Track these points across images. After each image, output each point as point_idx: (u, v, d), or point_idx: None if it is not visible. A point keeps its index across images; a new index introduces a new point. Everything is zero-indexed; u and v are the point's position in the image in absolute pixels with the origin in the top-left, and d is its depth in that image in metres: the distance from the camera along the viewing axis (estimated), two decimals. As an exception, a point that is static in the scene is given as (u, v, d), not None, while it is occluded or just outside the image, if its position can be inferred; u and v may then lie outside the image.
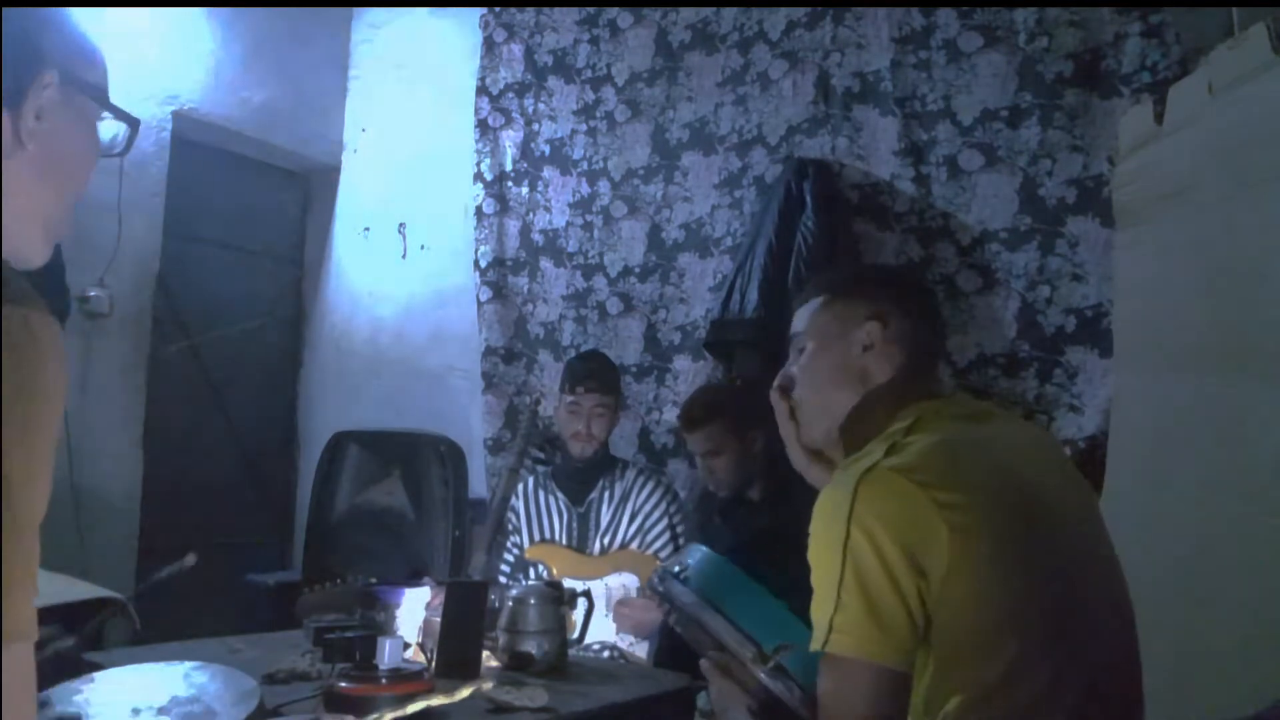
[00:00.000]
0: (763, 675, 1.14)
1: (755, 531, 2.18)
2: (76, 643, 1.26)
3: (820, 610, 1.02)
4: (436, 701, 1.30)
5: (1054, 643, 1.00)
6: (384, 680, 1.38)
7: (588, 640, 2.06)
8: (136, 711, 1.22)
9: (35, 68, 0.76)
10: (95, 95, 0.83)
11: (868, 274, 1.29)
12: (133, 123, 0.89)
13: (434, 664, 1.60)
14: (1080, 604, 1.05)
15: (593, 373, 2.54)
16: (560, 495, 2.55)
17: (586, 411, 2.49)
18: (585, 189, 3.39)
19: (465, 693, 1.36)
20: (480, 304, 3.52)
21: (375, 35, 4.08)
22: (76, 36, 0.83)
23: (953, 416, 1.15)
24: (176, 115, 3.47)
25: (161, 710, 1.23)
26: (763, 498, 2.31)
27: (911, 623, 0.98)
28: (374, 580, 1.89)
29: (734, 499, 2.35)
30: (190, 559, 1.55)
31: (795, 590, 1.11)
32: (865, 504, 1.00)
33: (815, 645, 1.01)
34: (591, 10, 3.41)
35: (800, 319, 1.29)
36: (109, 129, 0.87)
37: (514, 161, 3.55)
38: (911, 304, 1.25)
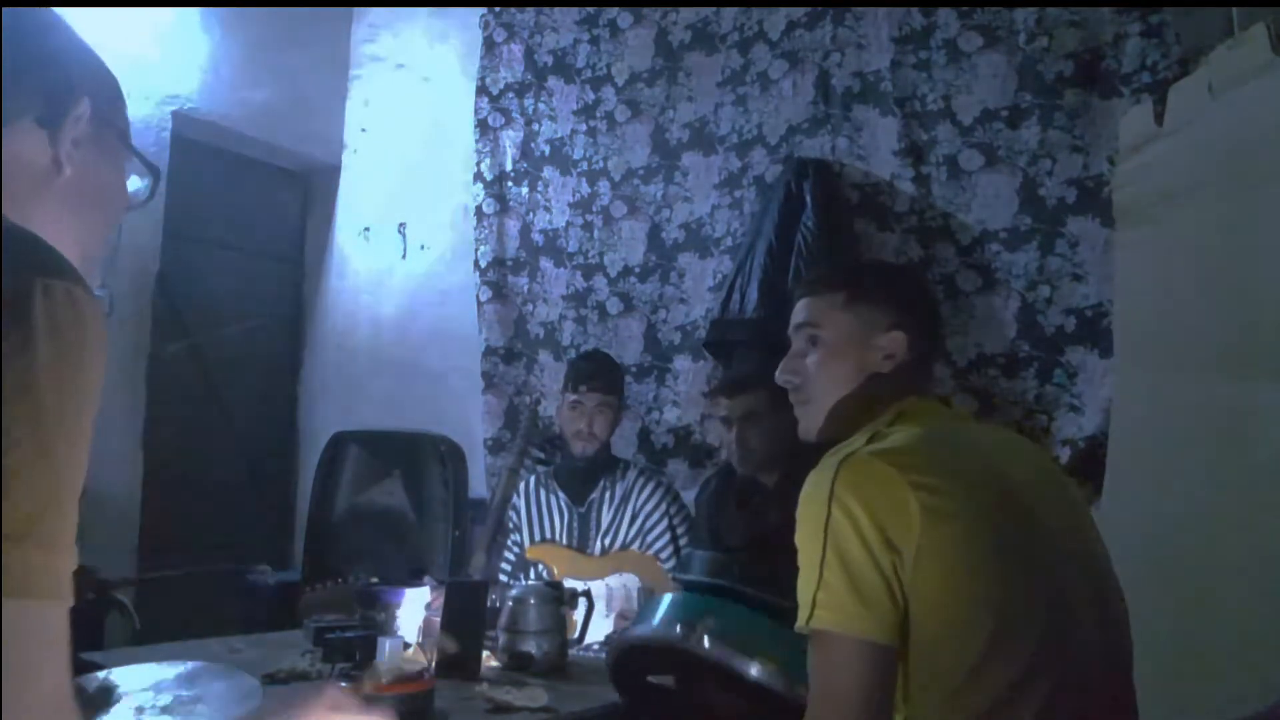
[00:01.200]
0: (697, 648, 1.21)
1: (771, 525, 2.18)
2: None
3: (804, 589, 1.04)
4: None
5: (1029, 633, 1.01)
6: (384, 680, 1.38)
7: (588, 640, 2.06)
8: (140, 710, 1.22)
9: (72, 94, 0.77)
10: (123, 139, 0.84)
11: (890, 277, 1.34)
12: (155, 172, 0.90)
13: (434, 664, 1.60)
14: (1060, 598, 1.06)
15: (596, 372, 2.54)
16: (561, 494, 2.55)
17: (589, 411, 2.49)
18: (585, 189, 3.39)
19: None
20: (480, 304, 3.52)
21: (375, 35, 4.08)
22: (108, 77, 0.83)
23: (933, 414, 1.21)
24: (176, 115, 3.47)
25: (165, 710, 1.23)
26: (776, 487, 2.29)
27: (893, 597, 1.01)
28: (374, 580, 1.89)
29: (753, 484, 2.33)
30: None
31: None
32: (844, 486, 1.04)
33: (800, 623, 1.04)
34: (591, 10, 3.40)
35: (815, 311, 1.26)
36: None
37: (514, 161, 3.55)
38: (924, 312, 1.29)
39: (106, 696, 1.17)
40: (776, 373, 1.28)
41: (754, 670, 1.24)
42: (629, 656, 1.48)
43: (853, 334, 1.23)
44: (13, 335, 0.58)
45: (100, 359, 0.64)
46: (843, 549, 1.01)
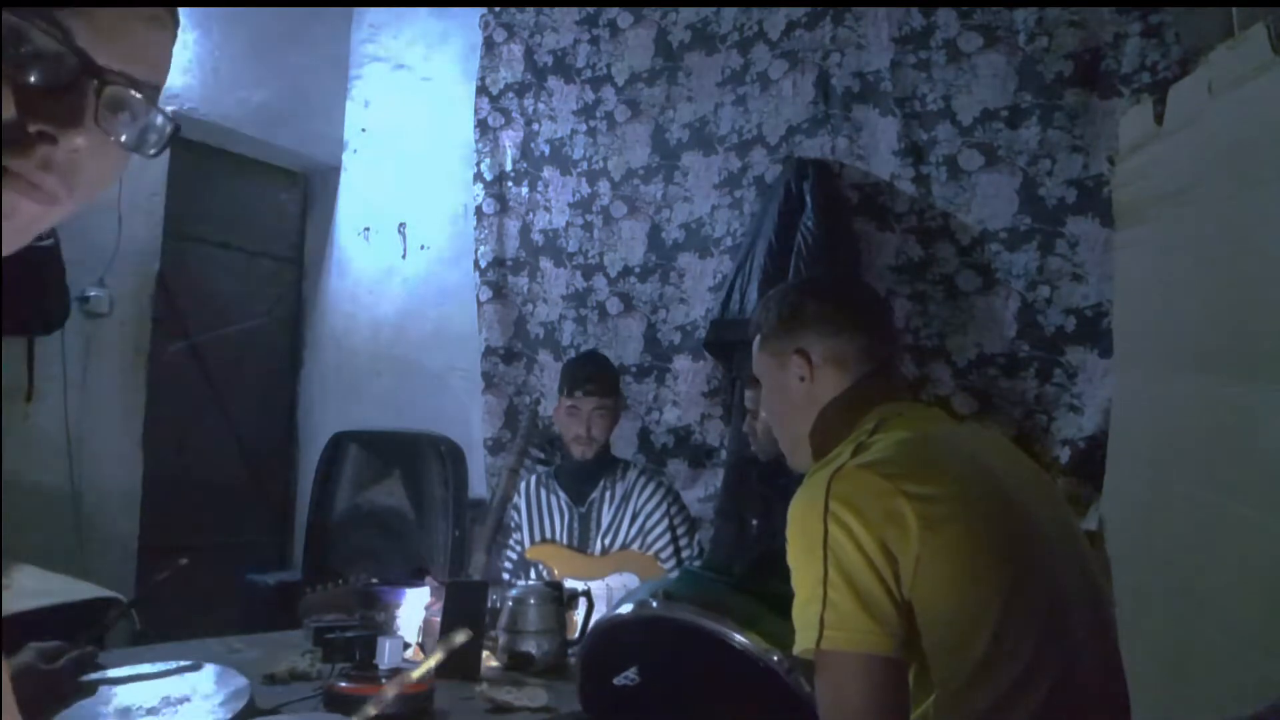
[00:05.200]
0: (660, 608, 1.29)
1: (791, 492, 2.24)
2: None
3: (806, 610, 1.02)
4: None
5: (1030, 632, 1.01)
6: (384, 680, 1.39)
7: (588, 640, 2.06)
8: (127, 711, 1.22)
9: None
10: None
11: (788, 306, 1.32)
12: None
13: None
14: (1054, 595, 1.06)
15: (591, 376, 2.53)
16: (562, 494, 2.55)
17: (585, 414, 2.48)
18: (585, 189, 3.39)
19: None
20: (480, 304, 3.53)
21: (375, 35, 4.08)
22: None
23: (914, 417, 1.19)
24: (176, 115, 3.46)
25: (150, 711, 1.23)
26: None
27: (898, 609, 1.00)
28: (374, 580, 1.90)
29: (777, 467, 2.37)
30: (182, 561, 1.56)
31: None
32: (838, 501, 1.02)
33: (806, 645, 1.02)
34: (591, 10, 3.41)
35: (754, 358, 1.34)
36: None
37: (514, 161, 3.56)
38: (836, 323, 1.27)
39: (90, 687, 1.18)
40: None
41: (734, 636, 1.24)
42: (602, 647, 1.46)
43: (771, 370, 1.30)
44: None
45: None
46: (845, 566, 1.00)
